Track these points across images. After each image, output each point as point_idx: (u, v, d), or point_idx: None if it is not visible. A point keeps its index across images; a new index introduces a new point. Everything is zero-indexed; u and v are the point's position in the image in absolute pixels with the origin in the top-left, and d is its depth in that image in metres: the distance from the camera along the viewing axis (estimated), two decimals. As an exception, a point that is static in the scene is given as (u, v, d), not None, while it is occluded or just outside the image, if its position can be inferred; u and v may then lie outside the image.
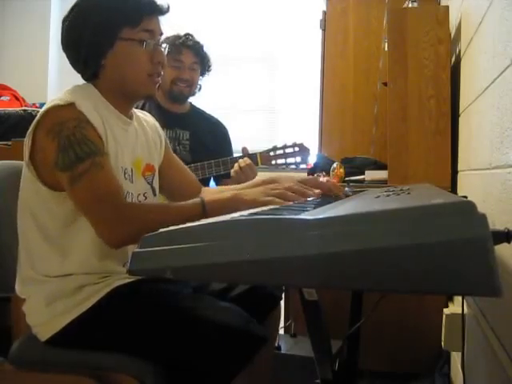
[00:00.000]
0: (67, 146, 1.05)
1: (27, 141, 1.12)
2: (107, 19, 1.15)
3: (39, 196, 1.14)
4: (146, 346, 1.10)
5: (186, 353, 1.07)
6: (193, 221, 1.05)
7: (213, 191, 1.49)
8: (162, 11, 1.22)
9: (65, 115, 1.08)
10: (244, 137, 3.49)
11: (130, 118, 1.28)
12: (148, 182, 1.30)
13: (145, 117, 1.39)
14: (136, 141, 1.28)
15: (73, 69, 1.23)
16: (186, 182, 1.45)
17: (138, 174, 1.26)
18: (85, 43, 1.16)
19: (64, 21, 1.19)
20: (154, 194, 1.32)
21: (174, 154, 1.47)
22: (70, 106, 1.09)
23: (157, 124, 1.42)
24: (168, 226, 1.04)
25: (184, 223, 1.06)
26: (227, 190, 1.34)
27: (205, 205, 1.08)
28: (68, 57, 1.21)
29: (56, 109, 1.09)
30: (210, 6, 4.02)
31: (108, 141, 1.15)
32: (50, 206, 1.14)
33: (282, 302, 1.53)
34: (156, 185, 1.34)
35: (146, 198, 1.28)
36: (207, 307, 1.11)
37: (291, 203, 1.02)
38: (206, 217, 1.05)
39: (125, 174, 1.20)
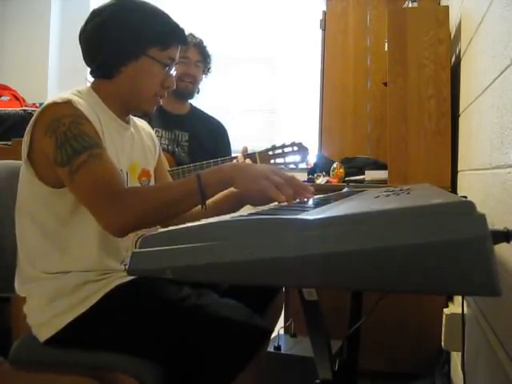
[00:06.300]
0: (64, 141, 1.06)
1: (26, 139, 1.13)
2: (141, 32, 1.18)
3: (38, 194, 1.14)
4: (147, 346, 1.10)
5: (188, 351, 1.07)
6: (191, 196, 1.06)
7: None
8: (186, 43, 1.28)
9: (61, 112, 1.09)
10: (244, 137, 3.50)
11: (127, 122, 1.29)
12: None
13: (141, 123, 1.40)
14: (132, 145, 1.28)
15: (79, 63, 1.24)
16: None
17: (133, 179, 1.27)
18: (111, 44, 1.17)
19: (96, 15, 1.19)
20: None
21: (163, 164, 1.47)
22: (67, 103, 1.09)
23: (152, 132, 1.44)
24: (170, 203, 1.05)
25: (183, 200, 1.07)
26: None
27: (200, 178, 1.07)
28: (85, 48, 1.22)
29: (53, 106, 1.10)
30: (211, 6, 4.02)
31: (105, 140, 1.15)
32: (49, 203, 1.14)
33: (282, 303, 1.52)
34: None
35: None
36: (209, 304, 1.11)
37: (284, 198, 1.02)
38: (203, 191, 1.06)
39: None
